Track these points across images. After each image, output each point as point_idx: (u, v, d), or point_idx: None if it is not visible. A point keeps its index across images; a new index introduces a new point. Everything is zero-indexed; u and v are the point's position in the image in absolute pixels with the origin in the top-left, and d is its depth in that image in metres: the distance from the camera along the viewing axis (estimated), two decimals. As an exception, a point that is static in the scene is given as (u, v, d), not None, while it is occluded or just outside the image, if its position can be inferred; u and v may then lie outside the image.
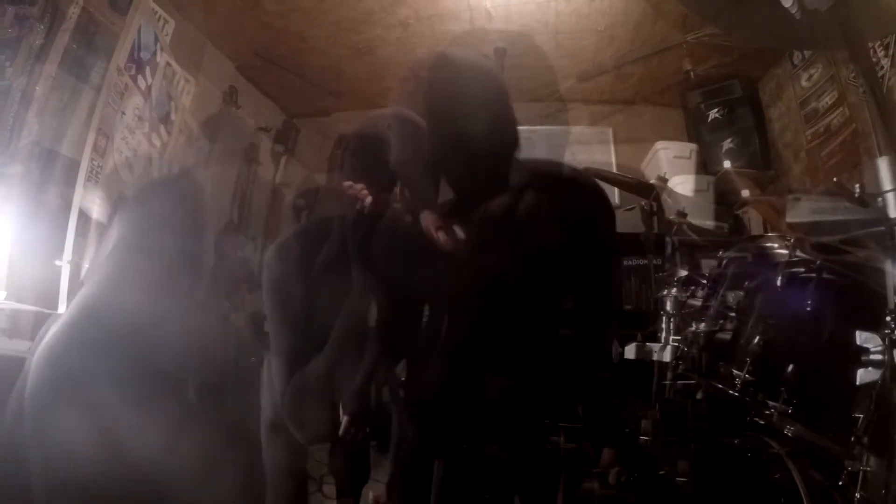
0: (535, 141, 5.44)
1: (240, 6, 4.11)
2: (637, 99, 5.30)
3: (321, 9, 3.63)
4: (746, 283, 1.78)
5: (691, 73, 4.22)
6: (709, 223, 4.06)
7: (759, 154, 4.32)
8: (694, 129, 4.71)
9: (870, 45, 1.69)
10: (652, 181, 2.49)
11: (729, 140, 4.42)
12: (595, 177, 2.86)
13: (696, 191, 4.30)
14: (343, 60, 4.21)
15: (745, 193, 4.28)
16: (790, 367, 1.52)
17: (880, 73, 2.83)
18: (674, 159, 4.29)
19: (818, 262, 1.58)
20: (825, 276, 1.57)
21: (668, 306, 2.09)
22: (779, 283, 1.59)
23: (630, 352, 2.06)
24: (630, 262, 4.13)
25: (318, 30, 3.85)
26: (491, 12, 3.70)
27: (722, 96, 4.50)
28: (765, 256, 1.75)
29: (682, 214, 2.46)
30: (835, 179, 1.44)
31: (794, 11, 1.02)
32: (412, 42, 3.98)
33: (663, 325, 2.06)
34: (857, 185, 1.37)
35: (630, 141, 5.30)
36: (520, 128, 4.66)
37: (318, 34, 3.90)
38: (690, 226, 2.45)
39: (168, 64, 3.81)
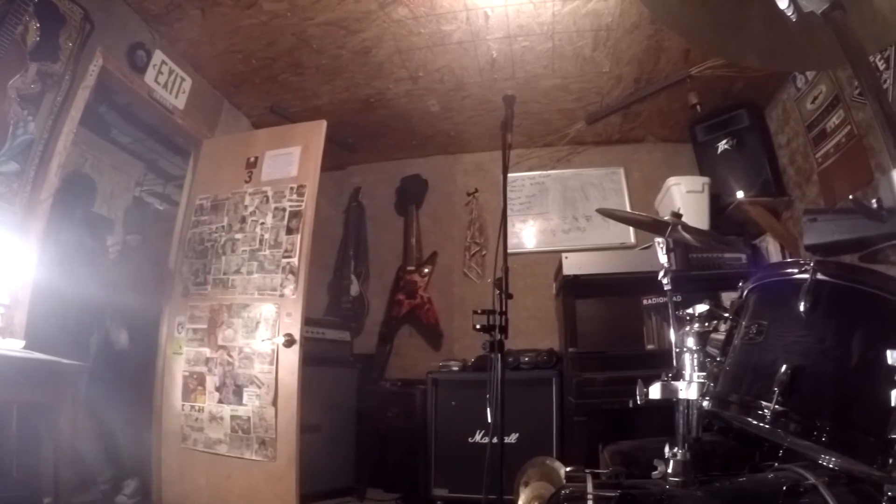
0: (549, 185, 5.47)
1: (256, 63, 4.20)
2: (646, 136, 5.34)
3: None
4: (768, 310, 1.73)
5: (698, 107, 4.23)
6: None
7: (772, 181, 4.30)
8: (705, 162, 4.72)
9: (870, 58, 1.66)
10: (666, 218, 2.44)
11: (740, 170, 4.40)
12: (610, 217, 2.85)
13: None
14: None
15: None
16: (821, 394, 1.46)
17: (884, 86, 2.82)
18: (687, 194, 4.26)
19: (841, 283, 1.54)
20: (849, 296, 1.53)
21: (691, 342, 2.03)
22: (802, 308, 1.54)
23: (655, 392, 1.99)
24: (649, 301, 4.10)
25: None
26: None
27: (730, 127, 4.52)
28: (786, 282, 1.69)
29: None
30: (851, 197, 1.40)
31: (789, 13, 1.00)
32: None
33: (687, 362, 2.01)
34: (874, 200, 1.34)
35: (642, 178, 5.32)
36: (533, 173, 4.73)
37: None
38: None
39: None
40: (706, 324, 2.06)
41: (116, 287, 3.91)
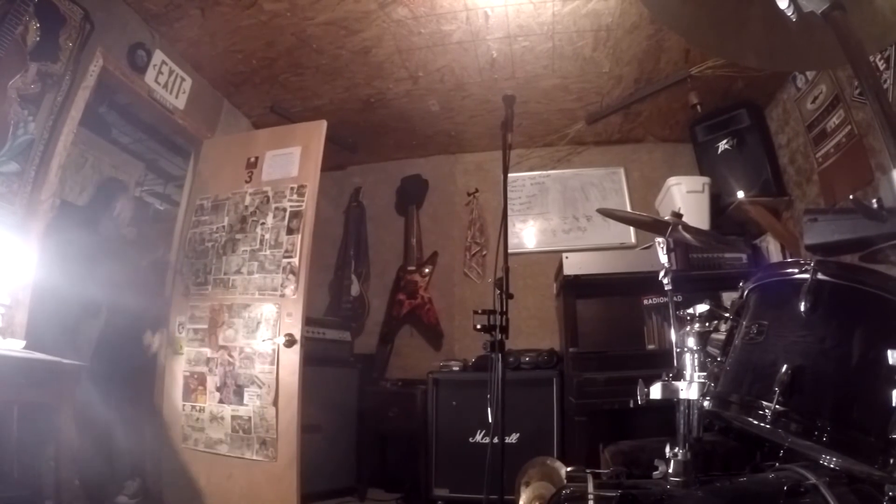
0: (549, 185, 5.47)
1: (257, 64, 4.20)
2: (647, 136, 5.34)
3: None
4: (769, 310, 1.73)
5: (698, 107, 4.23)
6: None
7: (772, 181, 4.29)
8: (705, 162, 4.72)
9: (870, 58, 1.66)
10: (666, 218, 2.44)
11: (740, 170, 4.40)
12: (610, 217, 2.85)
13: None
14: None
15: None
16: (822, 394, 1.46)
17: (884, 86, 2.82)
18: (687, 194, 4.26)
19: (842, 283, 1.53)
20: (849, 296, 1.53)
21: (692, 342, 2.03)
22: (802, 308, 1.54)
23: (656, 392, 1.99)
24: (650, 301, 4.10)
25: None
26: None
27: (730, 127, 4.52)
28: (787, 282, 1.69)
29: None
30: (851, 196, 1.40)
31: (790, 13, 1.00)
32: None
33: (688, 362, 2.01)
34: (875, 200, 1.34)
35: (642, 178, 5.32)
36: (534, 173, 4.73)
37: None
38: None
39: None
40: (707, 324, 2.06)
41: (113, 283, 3.91)
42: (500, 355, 2.65)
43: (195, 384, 3.82)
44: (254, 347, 3.71)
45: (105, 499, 3.60)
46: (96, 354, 3.93)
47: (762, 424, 1.53)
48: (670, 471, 1.86)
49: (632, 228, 4.99)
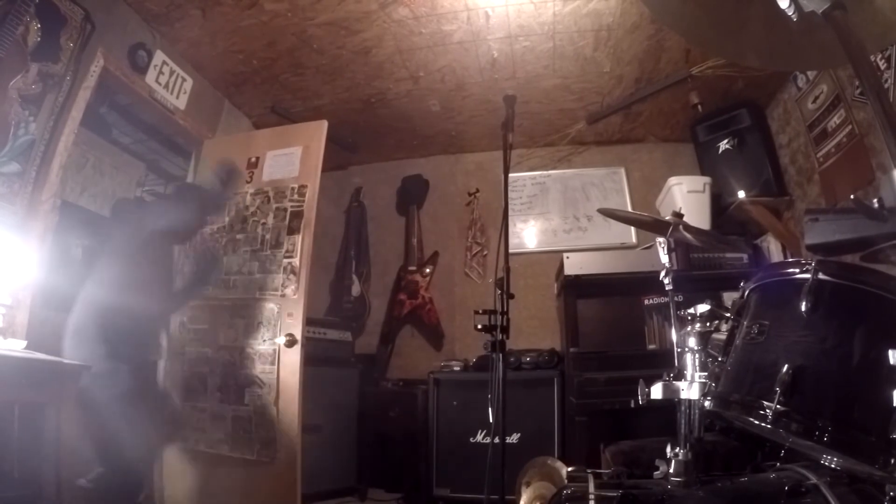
0: (549, 185, 5.47)
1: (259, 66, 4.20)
2: (647, 136, 5.33)
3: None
4: (770, 310, 1.73)
5: (699, 107, 4.23)
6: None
7: (773, 181, 4.29)
8: (706, 162, 4.71)
9: (871, 58, 1.66)
10: (667, 218, 2.44)
11: (741, 170, 4.39)
12: (611, 217, 2.85)
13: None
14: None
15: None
16: (822, 394, 1.46)
17: (885, 85, 2.82)
18: (688, 193, 4.26)
19: (842, 283, 1.53)
20: (850, 296, 1.52)
21: (693, 342, 2.03)
22: (803, 307, 1.54)
23: (657, 392, 1.99)
24: (651, 301, 4.10)
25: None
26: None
27: (731, 127, 4.51)
28: (788, 281, 1.69)
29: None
30: (852, 196, 1.40)
31: (790, 13, 1.00)
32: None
33: (689, 362, 2.00)
34: (876, 200, 1.34)
35: (643, 178, 5.32)
36: (534, 173, 4.72)
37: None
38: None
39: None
40: (707, 324, 2.06)
41: (115, 281, 3.90)
42: (500, 355, 2.65)
43: (196, 384, 3.81)
44: (255, 347, 3.71)
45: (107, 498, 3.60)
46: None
47: (763, 424, 1.52)
48: (671, 471, 1.86)
49: (633, 228, 4.99)
